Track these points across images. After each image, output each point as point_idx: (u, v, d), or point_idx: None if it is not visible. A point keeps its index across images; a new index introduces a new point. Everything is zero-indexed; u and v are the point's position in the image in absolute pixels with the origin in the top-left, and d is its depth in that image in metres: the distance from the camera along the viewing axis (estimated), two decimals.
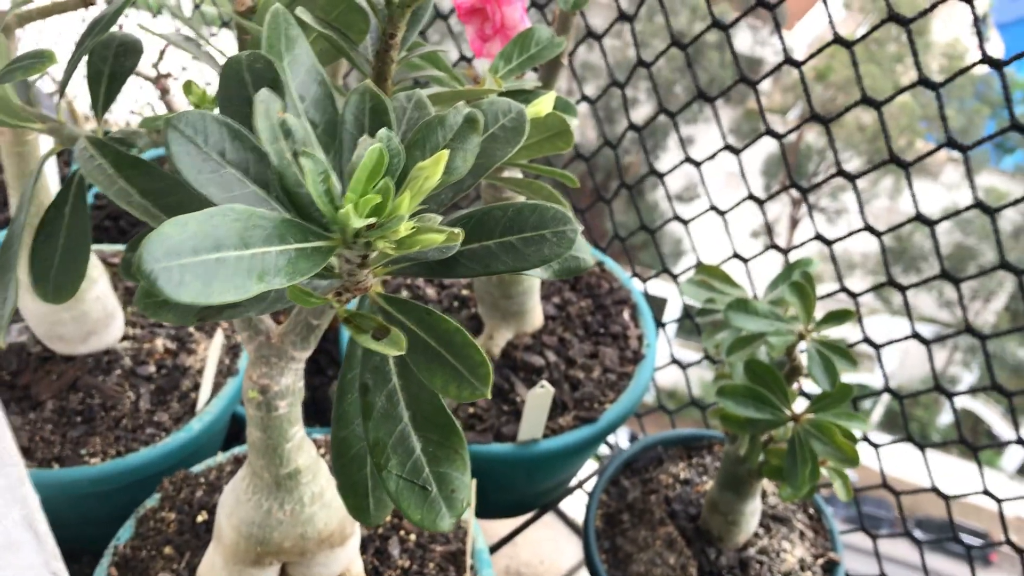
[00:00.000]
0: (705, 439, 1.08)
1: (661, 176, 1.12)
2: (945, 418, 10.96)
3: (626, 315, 1.05)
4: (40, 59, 0.53)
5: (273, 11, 0.52)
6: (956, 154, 0.83)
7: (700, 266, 0.92)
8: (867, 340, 0.98)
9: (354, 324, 0.44)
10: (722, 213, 1.08)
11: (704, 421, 1.32)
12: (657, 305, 1.13)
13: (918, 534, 1.11)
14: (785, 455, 0.84)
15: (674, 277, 1.13)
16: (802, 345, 0.84)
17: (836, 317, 0.82)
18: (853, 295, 0.97)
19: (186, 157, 0.42)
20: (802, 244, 1.07)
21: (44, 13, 0.80)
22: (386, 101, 0.45)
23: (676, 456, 1.07)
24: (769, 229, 1.08)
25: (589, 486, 1.27)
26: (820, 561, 0.98)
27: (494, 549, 1.13)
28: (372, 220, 0.37)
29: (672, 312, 8.94)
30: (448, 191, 0.49)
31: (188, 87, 0.64)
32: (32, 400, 0.94)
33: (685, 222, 1.10)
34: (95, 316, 0.94)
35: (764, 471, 0.89)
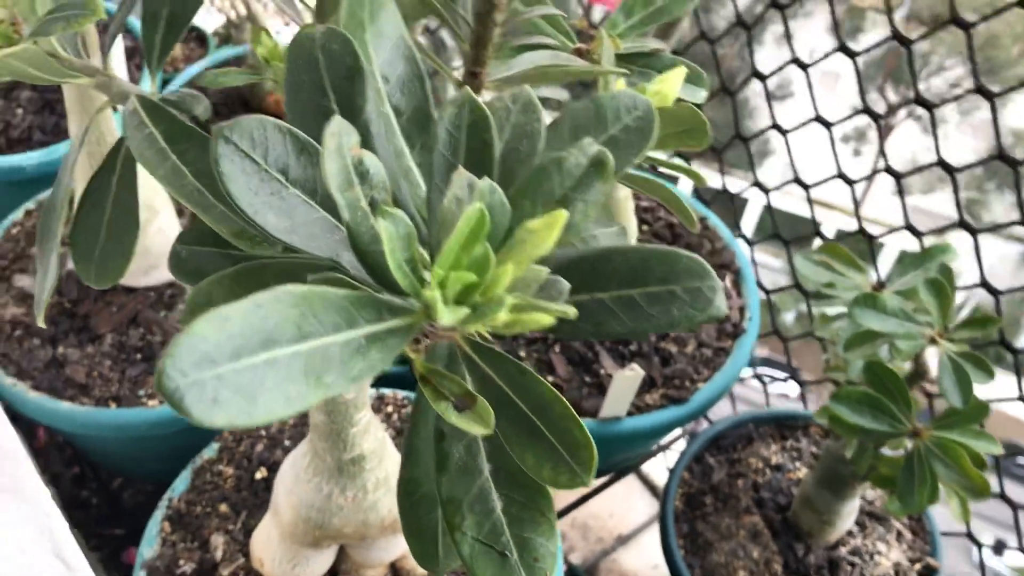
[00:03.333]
0: (801, 419, 1.00)
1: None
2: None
3: (728, 282, 0.96)
4: (83, 10, 0.45)
5: None
6: None
7: (824, 245, 0.82)
8: (985, 285, 0.87)
9: (433, 385, 0.36)
10: (828, 125, 0.94)
11: (784, 349, 1.22)
12: (739, 205, 1.04)
13: None
14: (900, 468, 0.75)
15: (765, 191, 1.02)
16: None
17: (978, 324, 0.72)
18: (974, 228, 0.85)
19: (240, 178, 0.34)
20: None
21: None
22: (488, 116, 0.36)
23: (768, 435, 0.99)
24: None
25: (670, 448, 1.20)
26: (917, 566, 0.90)
27: (567, 511, 1.07)
28: (464, 312, 0.28)
29: (752, 215, 8.72)
30: None
31: (257, 36, 0.55)
32: (91, 332, 0.89)
33: (780, 131, 0.98)
34: (157, 250, 0.88)
35: (871, 478, 0.81)
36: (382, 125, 0.42)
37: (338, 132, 0.29)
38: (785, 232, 1.05)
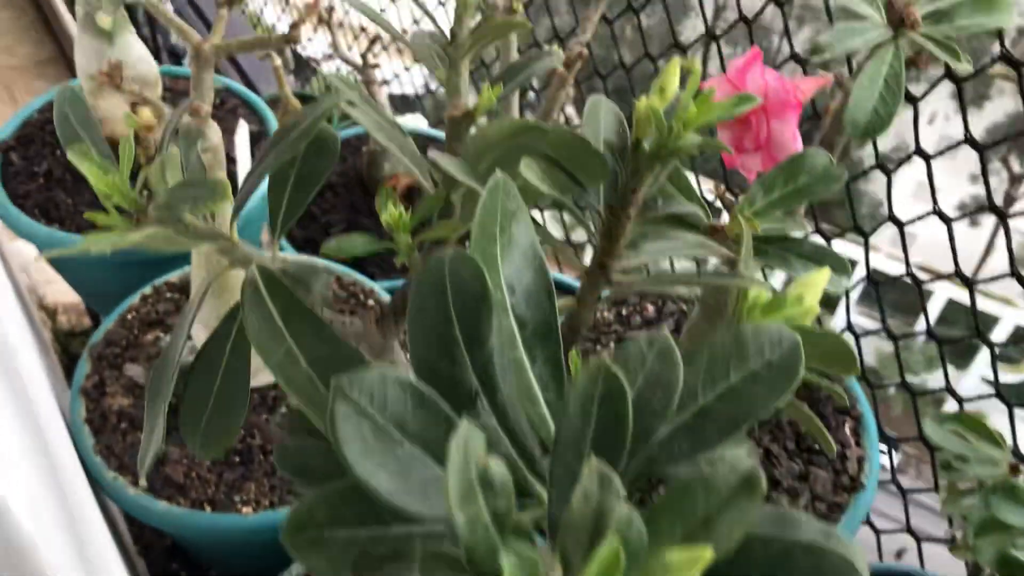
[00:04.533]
0: None
1: None
2: None
3: (847, 428, 0.90)
4: (211, 193, 0.44)
5: (492, 186, 0.41)
6: None
7: (960, 415, 0.76)
8: None
9: None
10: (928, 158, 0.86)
11: (904, 509, 1.15)
12: None
13: None
14: None
15: (865, 237, 0.94)
16: None
17: None
18: None
19: (356, 440, 0.32)
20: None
21: (244, 46, 0.72)
22: (624, 388, 0.33)
23: None
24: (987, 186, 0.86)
25: None
26: None
27: None
28: None
29: (856, 276, 8.42)
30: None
31: (384, 199, 0.54)
32: None
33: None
34: None
35: None
36: (505, 354, 0.39)
37: (464, 443, 0.27)
38: (892, 297, 0.98)
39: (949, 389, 0.95)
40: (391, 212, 0.53)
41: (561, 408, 0.40)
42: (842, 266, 0.56)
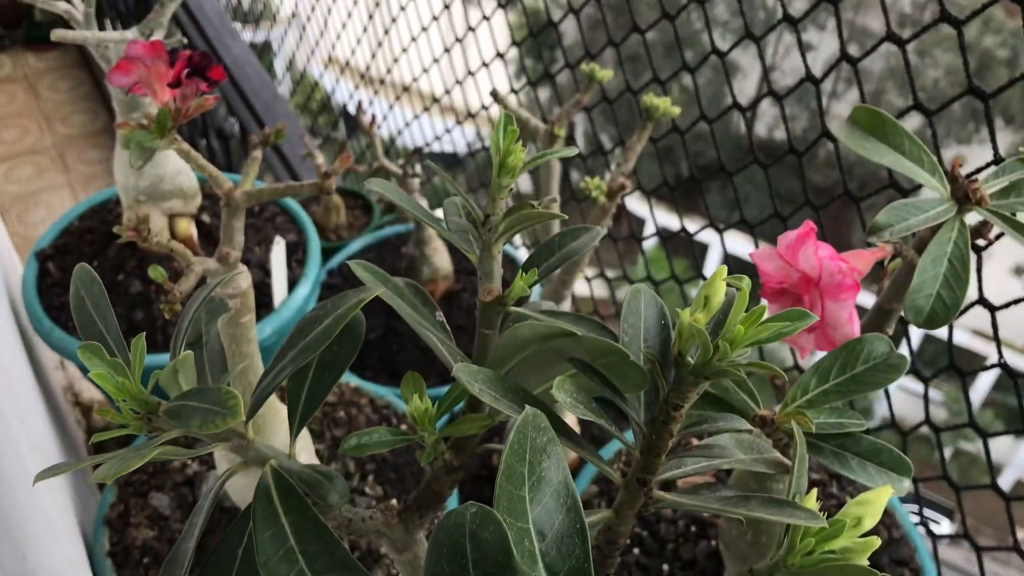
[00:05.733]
0: None
1: None
2: None
3: None
4: (221, 410, 0.41)
5: (520, 423, 0.37)
6: None
7: None
8: None
9: None
10: None
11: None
12: (896, 334, 0.91)
13: None
14: None
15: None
16: None
17: None
18: None
19: None
20: None
21: (276, 193, 0.70)
22: None
23: None
24: None
25: None
26: None
27: None
28: None
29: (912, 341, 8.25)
30: None
31: (409, 390, 0.51)
32: None
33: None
34: None
35: None
36: None
37: None
38: (945, 359, 0.94)
39: (993, 485, 0.90)
40: (415, 405, 0.50)
41: None
42: (902, 466, 0.51)
